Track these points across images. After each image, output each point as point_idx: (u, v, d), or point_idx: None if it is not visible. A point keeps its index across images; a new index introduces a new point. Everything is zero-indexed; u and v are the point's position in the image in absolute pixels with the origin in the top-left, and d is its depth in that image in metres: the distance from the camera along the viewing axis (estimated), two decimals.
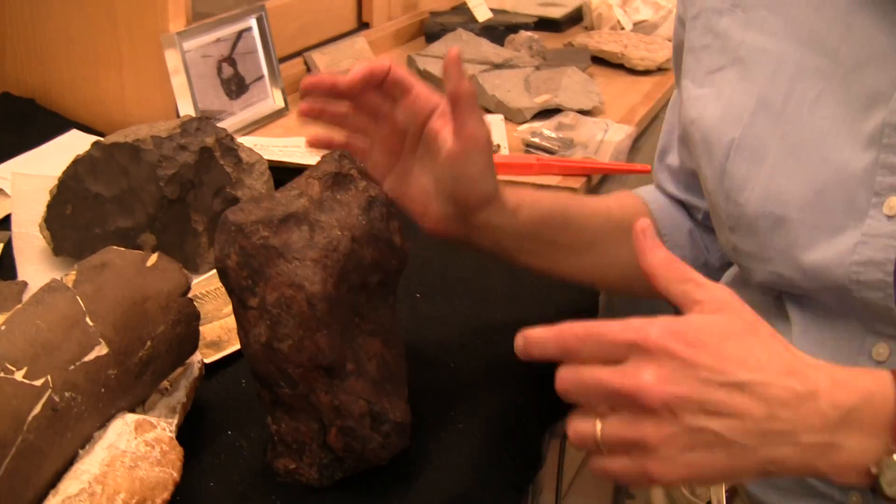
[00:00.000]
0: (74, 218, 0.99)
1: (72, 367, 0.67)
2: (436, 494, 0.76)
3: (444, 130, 0.79)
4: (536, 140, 1.30)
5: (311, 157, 1.23)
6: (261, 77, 1.48)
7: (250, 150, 1.08)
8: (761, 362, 0.58)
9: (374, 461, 0.75)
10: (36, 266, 1.01)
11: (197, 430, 0.80)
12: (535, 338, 0.61)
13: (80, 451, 0.68)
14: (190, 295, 0.79)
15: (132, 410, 0.74)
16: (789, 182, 0.71)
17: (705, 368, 0.57)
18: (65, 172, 0.99)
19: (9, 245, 1.05)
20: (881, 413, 0.57)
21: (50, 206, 1.00)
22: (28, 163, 1.25)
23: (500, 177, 0.82)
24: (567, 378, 0.60)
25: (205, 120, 1.03)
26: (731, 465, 0.57)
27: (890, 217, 0.65)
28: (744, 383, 0.57)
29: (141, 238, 0.98)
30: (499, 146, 1.30)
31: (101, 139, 0.99)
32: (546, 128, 1.34)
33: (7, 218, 1.10)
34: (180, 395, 0.79)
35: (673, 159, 0.93)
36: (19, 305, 0.69)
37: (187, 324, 0.78)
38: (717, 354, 0.57)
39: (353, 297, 0.73)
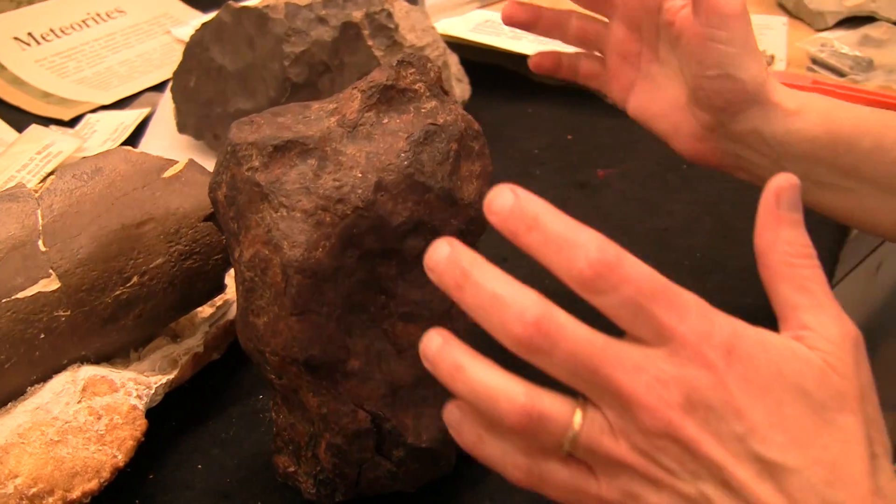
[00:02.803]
0: (197, 92, 0.84)
1: None
2: None
3: (683, 10, 0.61)
4: (823, 56, 0.96)
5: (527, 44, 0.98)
6: None
7: (426, 29, 0.87)
8: (813, 445, 0.37)
9: (381, 491, 0.55)
10: (159, 142, 0.88)
11: (207, 394, 0.64)
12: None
13: None
14: None
15: (105, 361, 0.59)
16: None
17: (735, 413, 0.36)
18: (192, 37, 0.84)
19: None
20: None
21: (176, 74, 0.85)
22: None
23: None
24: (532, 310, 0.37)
25: None
26: None
27: None
28: (776, 464, 0.36)
29: None
30: (772, 57, 0.98)
31: (232, 1, 0.82)
32: (843, 41, 0.99)
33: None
34: (190, 344, 0.62)
35: None
36: None
37: (204, 257, 0.61)
38: (761, 401, 0.37)
39: (373, 269, 0.52)
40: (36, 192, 0.56)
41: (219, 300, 0.66)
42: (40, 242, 0.54)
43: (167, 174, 0.60)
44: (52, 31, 1.08)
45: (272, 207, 0.49)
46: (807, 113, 0.59)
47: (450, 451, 0.56)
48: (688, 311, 0.37)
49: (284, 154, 0.50)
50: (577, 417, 0.38)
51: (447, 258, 0.40)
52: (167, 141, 0.88)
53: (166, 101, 0.92)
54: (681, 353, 0.37)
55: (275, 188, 0.50)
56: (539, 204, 0.38)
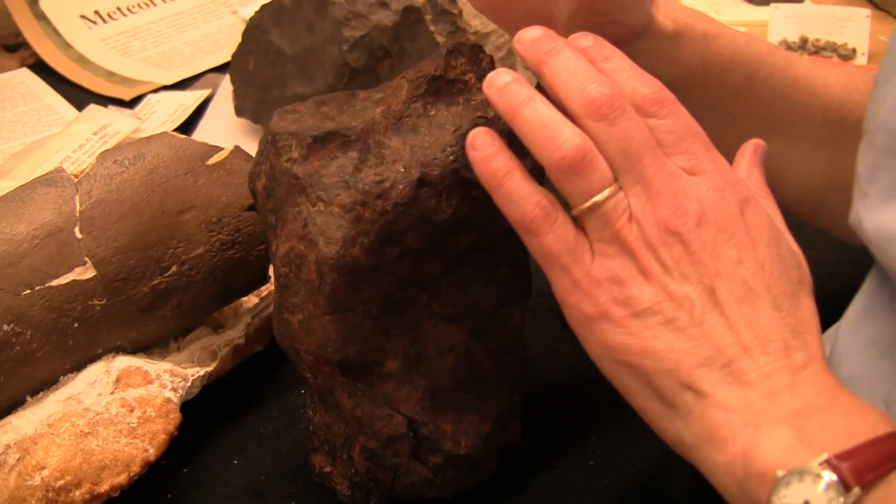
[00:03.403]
0: (255, 75, 0.83)
1: (26, 291, 0.51)
2: None
3: None
4: None
5: None
6: None
7: None
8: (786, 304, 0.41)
9: (417, 498, 0.53)
10: (217, 125, 0.87)
11: (247, 388, 0.62)
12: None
13: (29, 399, 0.53)
14: None
15: (142, 351, 0.57)
16: None
17: (738, 244, 0.41)
18: (251, 19, 0.82)
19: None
20: (857, 429, 0.36)
21: (235, 57, 0.84)
22: None
23: None
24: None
25: None
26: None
27: None
28: (756, 293, 0.40)
29: None
30: (854, 50, 0.93)
31: None
32: None
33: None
34: (231, 336, 0.60)
35: None
36: None
37: (247, 247, 0.59)
38: (758, 248, 0.41)
39: (414, 267, 0.49)
40: (76, 177, 0.55)
41: (264, 290, 0.64)
42: (77, 229, 0.53)
43: (211, 161, 0.58)
44: (118, 9, 1.07)
45: (309, 201, 0.47)
46: (683, 39, 0.54)
47: (490, 459, 0.54)
48: (719, 159, 0.42)
49: (325, 145, 0.48)
50: (613, 187, 0.40)
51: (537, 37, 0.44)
52: (225, 124, 0.87)
53: (227, 83, 0.91)
54: (708, 184, 0.41)
55: (313, 181, 0.47)
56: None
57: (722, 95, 0.55)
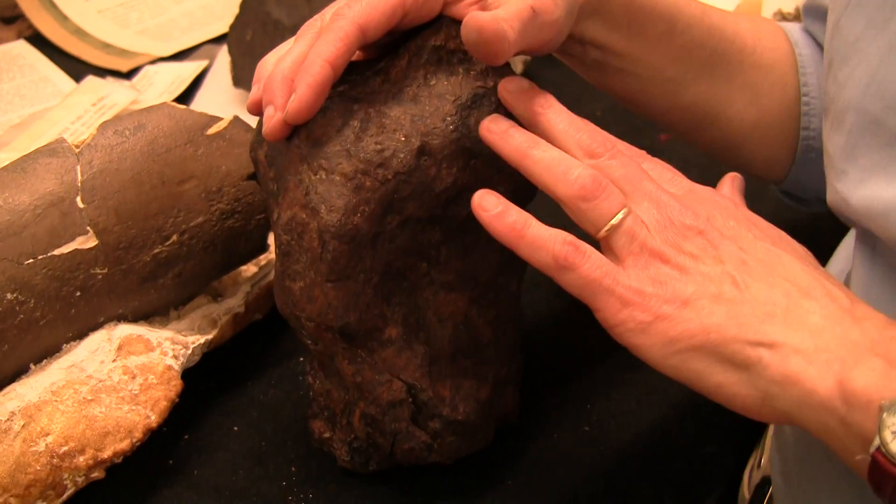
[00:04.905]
0: (253, 46, 0.83)
1: (29, 260, 0.52)
2: None
3: None
4: None
5: None
6: None
7: None
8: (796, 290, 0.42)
9: (417, 463, 0.54)
10: (215, 96, 0.87)
11: (247, 355, 0.63)
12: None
13: (33, 367, 0.54)
14: None
15: (143, 319, 0.58)
16: None
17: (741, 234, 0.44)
18: None
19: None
20: None
21: (232, 28, 0.84)
22: None
23: None
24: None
25: None
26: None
27: None
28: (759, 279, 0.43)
29: None
30: None
31: None
32: None
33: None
34: (231, 304, 0.61)
35: None
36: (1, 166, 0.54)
37: (246, 217, 0.59)
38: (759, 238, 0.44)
39: (415, 236, 0.50)
40: (77, 147, 0.55)
41: (263, 259, 0.64)
42: (78, 199, 0.54)
43: (211, 131, 0.59)
44: None
45: (311, 170, 0.48)
46: None
47: (488, 425, 0.55)
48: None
49: (326, 115, 0.48)
50: (627, 208, 0.43)
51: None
52: (223, 95, 0.87)
53: (224, 54, 0.91)
54: (702, 193, 0.46)
55: (314, 150, 0.48)
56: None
57: (647, 45, 0.57)
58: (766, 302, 0.41)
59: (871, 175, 0.46)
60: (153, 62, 0.94)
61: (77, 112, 0.81)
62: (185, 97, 0.88)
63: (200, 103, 0.86)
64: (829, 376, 0.38)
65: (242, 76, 0.85)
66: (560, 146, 0.46)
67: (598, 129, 0.46)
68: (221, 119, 0.60)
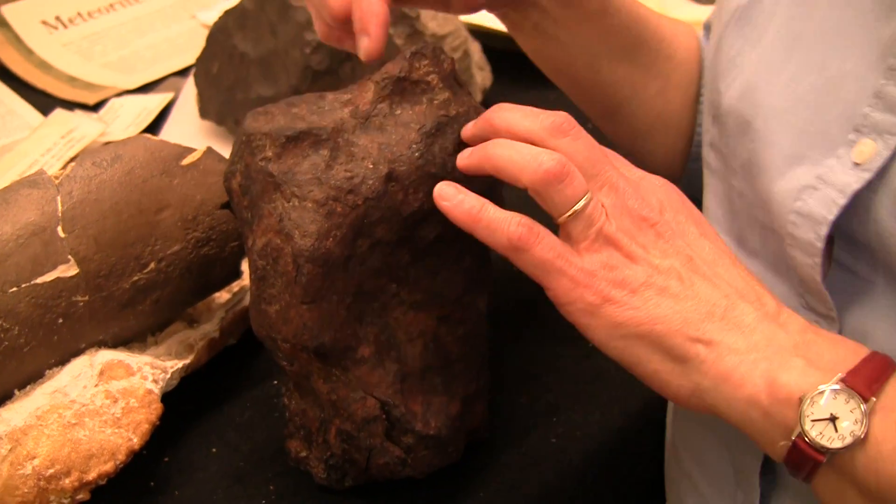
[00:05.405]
0: (220, 78, 0.85)
1: (13, 289, 0.54)
2: None
3: None
4: None
5: None
6: None
7: (448, 17, 0.87)
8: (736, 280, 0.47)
9: (391, 477, 0.56)
10: (182, 127, 0.89)
11: (223, 379, 0.65)
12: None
13: (17, 392, 0.55)
14: None
15: (123, 345, 0.60)
16: (771, 79, 0.53)
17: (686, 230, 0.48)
18: (215, 24, 0.85)
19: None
20: (842, 354, 0.43)
21: (199, 60, 0.86)
22: None
23: None
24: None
25: None
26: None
27: (856, 165, 0.47)
28: (718, 274, 0.46)
29: None
30: None
31: None
32: None
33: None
34: (207, 330, 0.63)
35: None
36: None
37: (220, 244, 0.61)
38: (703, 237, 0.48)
39: (385, 258, 0.52)
40: (56, 178, 0.57)
41: (235, 286, 0.66)
42: (59, 229, 0.56)
43: (185, 162, 0.61)
44: (79, 14, 1.09)
45: (284, 197, 0.50)
46: None
47: (459, 439, 0.57)
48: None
49: (297, 144, 0.51)
50: (589, 194, 0.46)
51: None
52: (189, 126, 0.89)
53: (189, 86, 0.93)
54: (653, 181, 0.48)
55: (287, 178, 0.50)
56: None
57: (581, 18, 0.62)
58: (708, 301, 0.44)
59: (746, 171, 0.52)
60: (119, 95, 0.96)
61: (47, 145, 0.83)
62: (153, 129, 0.90)
63: (168, 135, 0.88)
64: (758, 374, 0.42)
65: (209, 108, 0.87)
66: (527, 139, 0.48)
67: (557, 111, 0.49)
68: (195, 150, 0.62)
